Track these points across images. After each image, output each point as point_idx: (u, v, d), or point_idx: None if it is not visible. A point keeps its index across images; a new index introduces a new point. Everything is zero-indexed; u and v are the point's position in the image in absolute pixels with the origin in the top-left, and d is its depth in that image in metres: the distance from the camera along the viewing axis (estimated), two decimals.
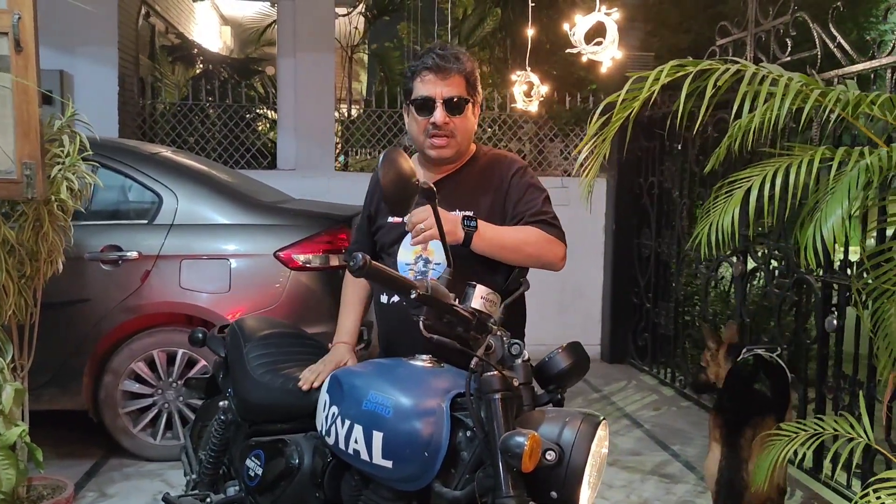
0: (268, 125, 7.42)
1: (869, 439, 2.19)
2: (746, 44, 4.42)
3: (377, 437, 1.62)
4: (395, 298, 2.05)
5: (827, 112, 2.06)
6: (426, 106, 2.05)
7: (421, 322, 1.48)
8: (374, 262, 1.45)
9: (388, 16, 8.80)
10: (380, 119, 6.45)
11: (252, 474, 2.06)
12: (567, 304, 6.32)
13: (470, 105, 2.10)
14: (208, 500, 2.28)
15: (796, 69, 3.95)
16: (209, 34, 10.44)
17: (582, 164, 2.31)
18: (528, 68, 5.07)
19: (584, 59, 3.27)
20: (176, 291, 3.81)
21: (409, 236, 2.08)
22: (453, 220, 1.93)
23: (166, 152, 4.29)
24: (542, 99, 5.28)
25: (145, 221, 3.90)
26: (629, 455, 4.21)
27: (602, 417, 1.53)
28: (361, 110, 7.17)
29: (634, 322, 6.07)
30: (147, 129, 6.23)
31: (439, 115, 2.04)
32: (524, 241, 2.02)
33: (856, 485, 3.40)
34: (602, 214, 6.24)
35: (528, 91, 5.22)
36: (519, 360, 1.57)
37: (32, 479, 2.88)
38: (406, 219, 1.88)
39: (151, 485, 3.62)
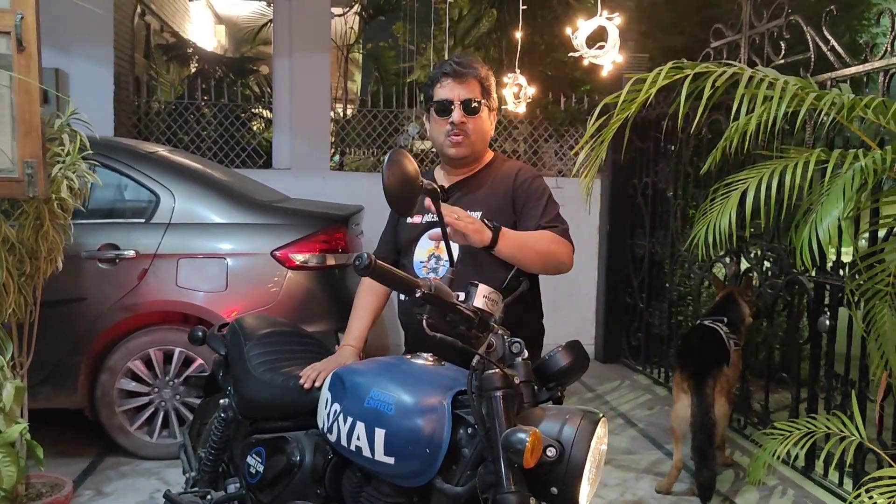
0: (263, 124, 7.41)
1: (862, 437, 2.22)
2: (741, 46, 4.46)
3: (379, 434, 1.64)
4: None
5: (821, 115, 2.09)
6: (445, 108, 2.20)
7: (424, 320, 1.50)
8: (379, 261, 1.47)
9: (383, 16, 8.81)
10: (375, 119, 6.47)
11: (253, 471, 2.08)
12: (561, 304, 6.32)
13: (485, 108, 2.24)
14: (209, 496, 2.29)
15: (790, 72, 4.02)
16: (204, 33, 10.43)
17: (581, 165, 2.34)
18: (518, 70, 5.11)
19: (585, 62, 3.30)
20: (173, 290, 3.82)
21: (425, 236, 2.19)
22: (478, 221, 1.96)
23: (163, 151, 4.29)
24: (529, 101, 5.33)
25: (142, 220, 3.90)
26: (624, 454, 4.24)
27: (601, 415, 1.56)
28: (356, 110, 7.18)
29: (628, 322, 6.09)
30: (142, 127, 6.23)
31: (457, 114, 2.18)
32: (538, 241, 2.11)
33: (847, 484, 3.44)
34: (596, 214, 6.27)
35: (517, 93, 5.26)
36: (519, 358, 1.59)
37: (31, 476, 2.89)
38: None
39: (148, 483, 3.63)
